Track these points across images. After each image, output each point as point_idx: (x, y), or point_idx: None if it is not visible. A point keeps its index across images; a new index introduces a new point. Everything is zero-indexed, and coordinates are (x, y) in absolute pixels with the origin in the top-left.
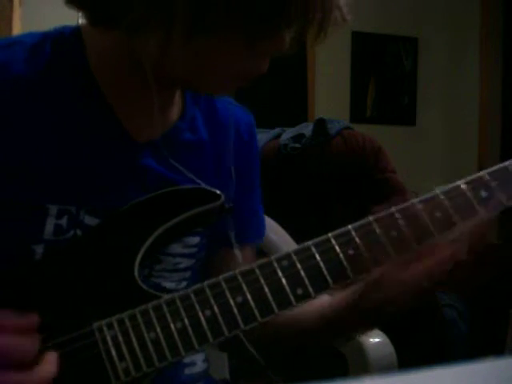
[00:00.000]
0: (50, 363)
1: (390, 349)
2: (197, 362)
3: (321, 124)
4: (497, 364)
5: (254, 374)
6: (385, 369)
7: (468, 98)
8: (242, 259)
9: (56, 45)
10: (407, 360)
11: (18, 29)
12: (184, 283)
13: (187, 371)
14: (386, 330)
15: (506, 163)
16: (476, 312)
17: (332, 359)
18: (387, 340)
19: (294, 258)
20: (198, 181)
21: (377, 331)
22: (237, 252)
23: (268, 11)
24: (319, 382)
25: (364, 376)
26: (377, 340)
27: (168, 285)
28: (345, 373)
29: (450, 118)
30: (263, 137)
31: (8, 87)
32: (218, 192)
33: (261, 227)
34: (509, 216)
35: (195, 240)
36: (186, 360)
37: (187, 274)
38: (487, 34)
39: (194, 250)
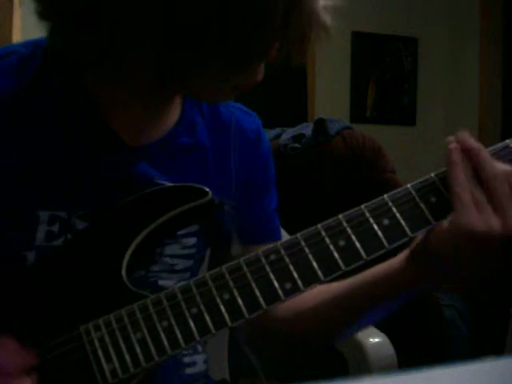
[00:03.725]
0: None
1: (390, 349)
2: (198, 362)
3: (321, 124)
4: (497, 364)
5: (253, 374)
6: (385, 369)
7: (468, 98)
8: None
9: (46, 54)
10: (407, 360)
11: (18, 29)
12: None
13: (188, 371)
14: (385, 330)
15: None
16: (476, 312)
17: (332, 359)
18: (387, 340)
19: (283, 252)
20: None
21: (377, 331)
22: (236, 251)
23: (247, 56)
24: (319, 382)
25: (364, 376)
26: (377, 340)
27: (166, 283)
28: (345, 373)
29: (450, 117)
30: None
31: None
32: (206, 189)
33: (275, 228)
34: None
35: (192, 241)
36: (188, 360)
37: (186, 275)
38: (487, 33)
39: (191, 251)
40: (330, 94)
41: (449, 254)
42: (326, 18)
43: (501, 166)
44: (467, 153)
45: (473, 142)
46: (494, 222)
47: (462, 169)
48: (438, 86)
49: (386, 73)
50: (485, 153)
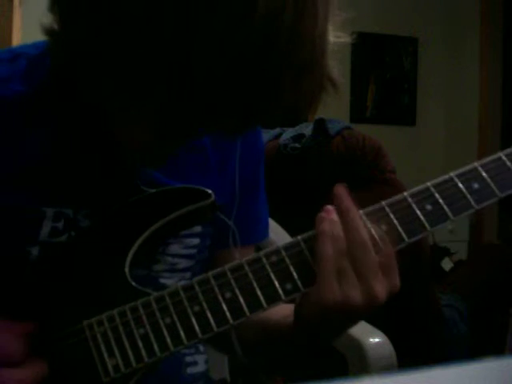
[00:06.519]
0: (37, 365)
1: (390, 349)
2: (199, 362)
3: (321, 124)
4: (497, 364)
5: (252, 374)
6: (385, 369)
7: (468, 98)
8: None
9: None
10: (407, 360)
11: (17, 29)
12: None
13: (189, 371)
14: (385, 330)
15: (500, 154)
16: (476, 312)
17: (332, 359)
18: (387, 340)
19: (283, 253)
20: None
21: (377, 331)
22: (236, 254)
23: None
24: (319, 382)
25: (364, 376)
26: (377, 340)
27: (167, 282)
28: (345, 373)
29: (450, 117)
30: (263, 137)
31: (6, 103)
32: (209, 191)
33: (265, 229)
34: (509, 216)
35: (195, 241)
36: (189, 359)
37: (187, 275)
38: (487, 33)
39: (193, 251)
40: (330, 94)
41: (316, 321)
42: (335, 74)
43: (367, 234)
44: (341, 214)
45: (349, 203)
46: (352, 294)
47: (330, 238)
48: (438, 86)
49: (386, 73)
50: (357, 218)
